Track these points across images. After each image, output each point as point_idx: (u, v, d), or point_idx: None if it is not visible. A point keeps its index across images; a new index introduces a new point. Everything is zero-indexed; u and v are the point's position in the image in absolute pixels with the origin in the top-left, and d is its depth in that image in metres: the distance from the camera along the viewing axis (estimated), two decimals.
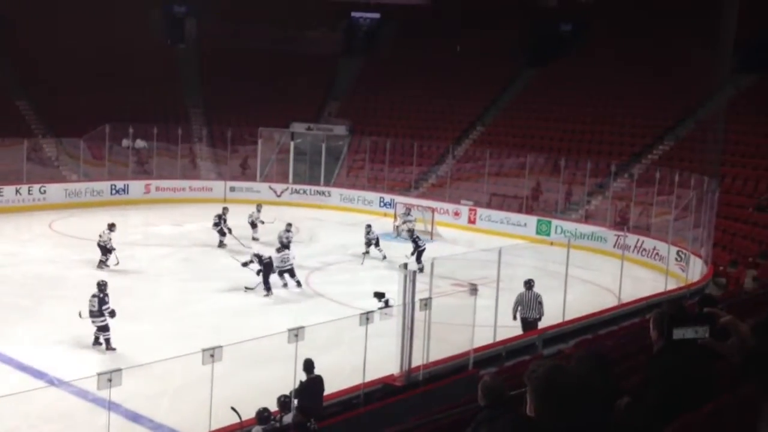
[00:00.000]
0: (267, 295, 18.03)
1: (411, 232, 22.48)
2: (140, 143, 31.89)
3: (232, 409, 9.50)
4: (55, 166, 30.77)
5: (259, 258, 18.49)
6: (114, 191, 29.62)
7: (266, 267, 18.36)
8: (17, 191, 27.40)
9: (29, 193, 27.67)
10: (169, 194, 30.53)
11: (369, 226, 22.89)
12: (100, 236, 19.74)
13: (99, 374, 8.55)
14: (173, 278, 19.45)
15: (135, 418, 11.14)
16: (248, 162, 33.59)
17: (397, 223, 26.03)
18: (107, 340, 14.12)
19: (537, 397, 3.01)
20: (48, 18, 33.38)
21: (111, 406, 9.20)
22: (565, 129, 31.30)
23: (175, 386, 11.75)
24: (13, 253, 21.11)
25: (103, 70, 32.97)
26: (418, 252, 21.08)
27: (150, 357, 11.91)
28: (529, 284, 15.01)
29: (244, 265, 18.55)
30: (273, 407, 10.06)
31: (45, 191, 28.08)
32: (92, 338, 14.21)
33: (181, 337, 14.14)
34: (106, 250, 19.65)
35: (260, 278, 18.30)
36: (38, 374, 12.72)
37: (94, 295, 14.17)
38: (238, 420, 9.51)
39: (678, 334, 3.10)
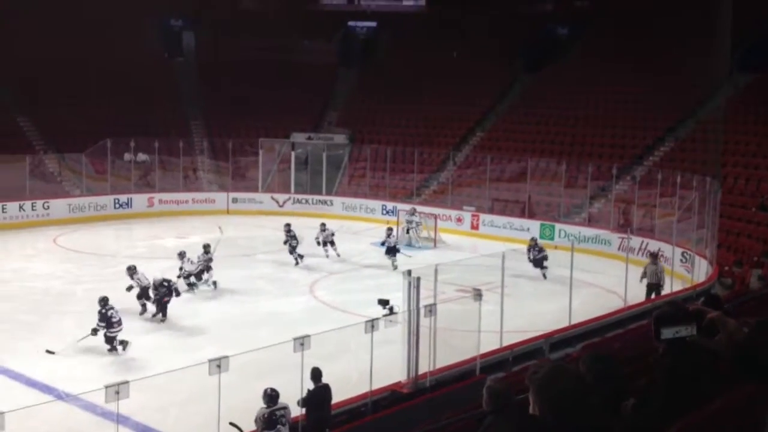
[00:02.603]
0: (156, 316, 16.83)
1: (534, 240, 21.69)
2: (142, 157, 31.96)
3: (231, 424, 9.44)
4: (58, 182, 30.85)
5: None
6: (117, 205, 29.68)
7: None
8: (21, 207, 27.47)
9: (33, 209, 27.73)
10: (172, 207, 30.59)
11: (323, 224, 23.50)
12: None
13: (106, 387, 8.56)
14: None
15: (144, 430, 11.16)
16: (249, 173, 33.73)
17: (403, 226, 26.04)
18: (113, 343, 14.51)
19: (539, 397, 3.02)
20: (47, 34, 33.49)
21: (119, 419, 9.21)
22: (565, 133, 31.37)
23: (183, 398, 11.77)
24: (19, 269, 21.16)
25: (103, 85, 33.10)
26: (539, 258, 20.72)
27: (156, 369, 11.94)
28: (655, 256, 18.50)
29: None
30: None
31: (48, 207, 28.14)
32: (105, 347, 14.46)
33: (188, 349, 14.18)
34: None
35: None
36: (46, 389, 12.75)
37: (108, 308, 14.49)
38: None
39: (666, 334, 3.12)
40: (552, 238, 25.36)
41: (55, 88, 32.37)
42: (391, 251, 21.95)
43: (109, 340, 14.43)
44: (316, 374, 10.46)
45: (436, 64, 35.76)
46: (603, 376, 4.77)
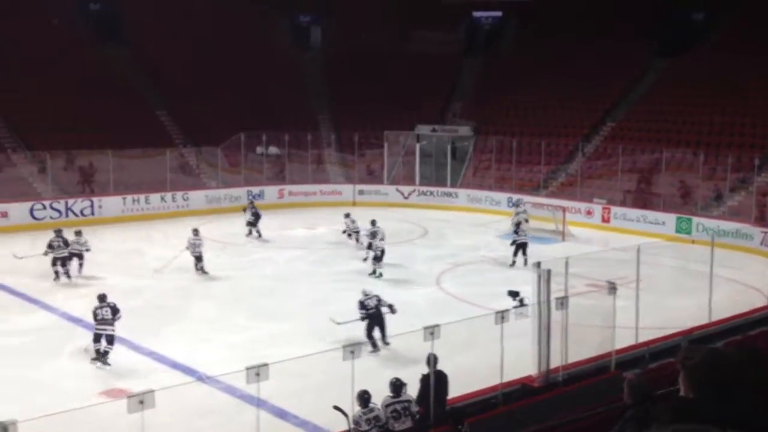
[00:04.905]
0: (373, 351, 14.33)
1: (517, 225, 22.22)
2: (273, 150, 33.06)
3: (336, 408, 9.51)
4: (196, 174, 32.36)
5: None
6: (251, 197, 30.81)
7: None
8: (162, 199, 29.16)
9: (173, 201, 29.35)
10: (301, 198, 31.50)
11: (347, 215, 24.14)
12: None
13: (248, 369, 8.87)
14: (309, 279, 20.03)
15: (281, 414, 11.51)
16: (373, 166, 34.21)
17: (512, 219, 25.81)
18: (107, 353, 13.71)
19: (694, 382, 2.91)
20: (183, 33, 35.14)
21: (258, 402, 9.55)
22: (702, 122, 29.93)
23: (317, 383, 12.06)
24: (163, 257, 22.31)
25: (236, 81, 34.38)
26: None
27: (290, 355, 12.26)
28: None
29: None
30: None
31: (188, 198, 29.68)
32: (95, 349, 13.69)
33: (320, 336, 14.50)
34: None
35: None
36: (189, 371, 13.39)
37: (103, 306, 13.85)
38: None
39: None
40: (689, 232, 24.33)
41: (192, 84, 33.89)
42: (378, 259, 20.57)
43: None
44: (429, 359, 10.30)
45: (563, 53, 34.95)
46: (752, 365, 4.56)
